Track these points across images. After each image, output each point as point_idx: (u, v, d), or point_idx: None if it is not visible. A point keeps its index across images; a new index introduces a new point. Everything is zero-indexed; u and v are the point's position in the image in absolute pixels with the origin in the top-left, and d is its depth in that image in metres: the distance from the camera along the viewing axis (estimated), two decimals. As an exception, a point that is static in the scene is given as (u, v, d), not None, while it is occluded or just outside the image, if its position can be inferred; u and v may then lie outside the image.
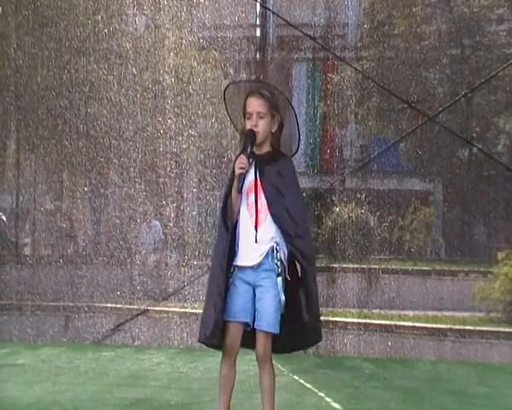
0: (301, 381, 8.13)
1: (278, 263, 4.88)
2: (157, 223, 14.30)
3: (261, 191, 4.92)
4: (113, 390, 7.53)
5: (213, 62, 13.96)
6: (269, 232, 4.90)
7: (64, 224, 15.08)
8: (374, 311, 13.05)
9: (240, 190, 4.89)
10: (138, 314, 13.10)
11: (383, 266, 13.49)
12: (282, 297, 4.88)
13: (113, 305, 13.46)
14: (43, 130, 14.06)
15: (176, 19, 13.77)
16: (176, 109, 13.40)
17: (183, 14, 13.77)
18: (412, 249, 14.18)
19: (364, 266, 13.36)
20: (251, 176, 4.96)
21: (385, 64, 14.01)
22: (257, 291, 4.91)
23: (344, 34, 14.41)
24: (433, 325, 12.64)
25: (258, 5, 13.64)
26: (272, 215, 4.89)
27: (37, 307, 13.65)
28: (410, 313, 13.05)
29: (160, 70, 13.67)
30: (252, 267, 4.91)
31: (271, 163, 4.98)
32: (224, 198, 5.00)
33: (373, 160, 14.02)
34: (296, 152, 5.20)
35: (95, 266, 13.68)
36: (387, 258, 13.85)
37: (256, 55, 13.71)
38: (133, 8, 14.10)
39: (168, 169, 13.39)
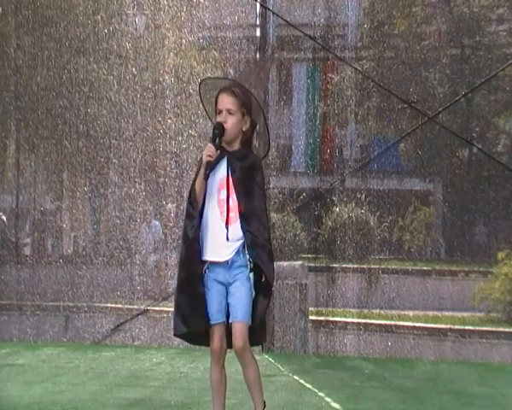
0: (301, 381, 8.12)
1: (250, 259, 4.90)
2: (157, 223, 14.30)
3: (233, 190, 4.94)
4: (113, 390, 7.52)
5: (213, 62, 13.96)
6: (239, 231, 4.92)
7: (64, 224, 15.09)
8: (374, 311, 13.05)
9: (206, 178, 4.91)
10: (138, 314, 13.10)
11: (383, 266, 13.50)
12: (254, 293, 4.90)
13: (113, 305, 13.46)
14: (43, 130, 14.06)
15: (176, 19, 13.77)
16: (176, 109, 13.41)
17: (183, 14, 13.77)
18: (412, 249, 14.19)
19: (364, 266, 13.36)
20: (223, 172, 4.97)
21: (385, 64, 14.01)
22: (230, 287, 4.92)
23: (344, 34, 14.42)
24: (433, 325, 12.64)
25: (258, 5, 13.62)
26: (242, 216, 4.91)
27: (37, 307, 13.65)
28: (410, 313, 13.05)
29: (159, 70, 13.67)
30: (224, 265, 4.92)
31: (243, 161, 5.00)
32: (191, 187, 5.03)
33: (373, 160, 14.02)
34: (266, 155, 5.22)
35: (95, 266, 13.69)
36: (387, 258, 13.86)
37: (256, 55, 13.70)
38: (133, 8, 14.10)
39: (168, 169, 13.39)
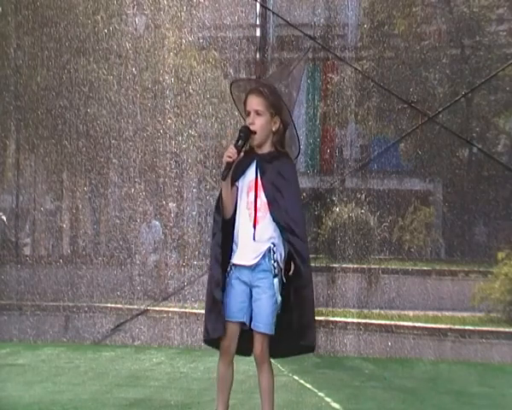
0: (301, 381, 8.12)
1: (275, 264, 4.87)
2: (157, 223, 14.30)
3: (261, 190, 4.90)
4: (113, 390, 7.52)
5: (213, 62, 13.96)
6: (267, 231, 4.89)
7: (64, 224, 15.09)
8: (374, 311, 13.05)
9: (224, 178, 4.89)
10: (138, 314, 13.10)
11: (383, 266, 13.50)
12: (279, 298, 4.87)
13: (113, 305, 13.47)
14: (43, 130, 14.06)
15: (176, 19, 13.77)
16: (176, 109, 13.40)
17: (183, 14, 13.77)
18: (412, 249, 14.18)
19: (364, 266, 13.36)
20: (251, 175, 4.95)
21: (385, 64, 14.01)
22: (254, 292, 4.90)
23: (344, 34, 14.42)
24: (433, 325, 12.64)
25: (258, 5, 13.64)
26: (272, 214, 4.87)
27: (37, 307, 13.65)
28: (410, 313, 13.04)
29: (159, 70, 13.67)
30: (249, 267, 4.91)
31: (273, 163, 4.96)
32: (219, 192, 5.02)
33: (373, 160, 14.02)
34: (298, 154, 5.17)
35: (95, 266, 13.69)
36: (387, 258, 13.86)
37: (256, 55, 13.71)
38: (133, 8, 14.10)
39: (168, 169, 13.39)
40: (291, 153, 5.10)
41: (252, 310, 4.90)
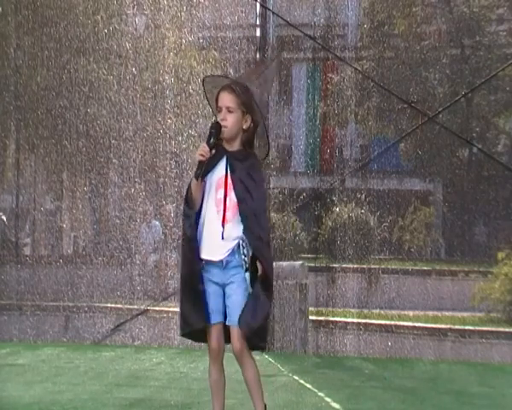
0: (301, 381, 8.11)
1: (246, 259, 4.88)
2: (157, 223, 14.30)
3: (231, 188, 4.92)
4: (113, 390, 7.52)
5: (213, 62, 13.96)
6: (235, 231, 4.89)
7: (64, 224, 15.10)
8: (374, 311, 13.05)
9: (197, 177, 4.90)
10: (138, 314, 13.10)
11: (383, 266, 13.50)
12: (250, 289, 4.89)
13: (113, 305, 13.47)
14: (43, 130, 14.06)
15: (176, 19, 13.77)
16: (176, 109, 13.41)
17: (183, 14, 13.77)
18: (412, 249, 14.19)
19: (364, 266, 13.37)
20: (221, 171, 4.95)
21: (385, 64, 14.02)
22: (227, 288, 4.90)
23: (344, 34, 14.42)
24: (433, 325, 12.65)
25: (258, 5, 13.63)
26: (241, 215, 4.89)
27: (37, 307, 13.65)
28: (410, 313, 13.05)
29: (159, 70, 13.67)
30: (218, 266, 4.91)
31: (242, 162, 4.97)
32: (188, 185, 5.02)
33: (373, 160, 14.02)
34: (267, 155, 5.19)
35: (95, 266, 13.69)
36: (387, 258, 13.87)
37: (256, 55, 13.70)
38: (133, 8, 14.10)
39: (168, 169, 13.39)
40: (259, 153, 5.12)
41: (225, 307, 4.90)
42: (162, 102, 13.49)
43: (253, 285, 4.87)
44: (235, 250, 4.89)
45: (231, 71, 13.94)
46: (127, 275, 13.67)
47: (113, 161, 13.72)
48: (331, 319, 12.66)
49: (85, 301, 13.53)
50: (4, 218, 14.98)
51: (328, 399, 7.22)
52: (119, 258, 13.70)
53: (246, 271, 4.87)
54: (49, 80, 13.69)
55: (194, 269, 4.92)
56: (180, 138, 13.43)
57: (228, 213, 4.90)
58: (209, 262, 4.92)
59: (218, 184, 4.95)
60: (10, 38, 13.95)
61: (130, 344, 12.53)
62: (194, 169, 4.99)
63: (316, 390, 7.63)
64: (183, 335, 5.06)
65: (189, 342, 5.48)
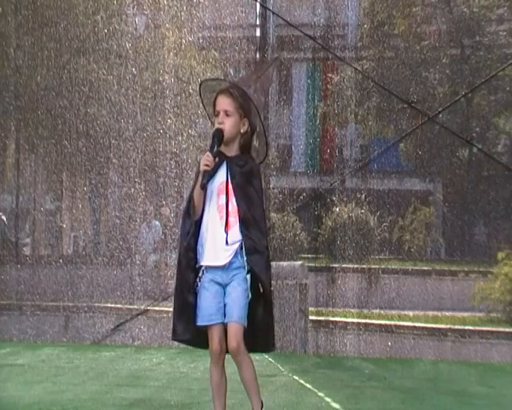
0: (301, 381, 8.12)
1: (247, 260, 4.89)
2: (157, 223, 14.30)
3: (232, 195, 4.93)
4: (113, 390, 7.52)
5: (213, 62, 13.96)
6: (237, 235, 4.91)
7: (64, 224, 15.09)
8: (374, 311, 13.05)
9: (203, 187, 4.90)
10: (138, 314, 13.10)
11: (383, 266, 13.50)
12: (249, 295, 4.89)
13: (113, 305, 13.47)
14: (42, 130, 14.07)
15: (176, 19, 13.78)
16: (176, 109, 13.41)
17: (183, 14, 13.77)
18: (412, 249, 14.19)
19: (364, 266, 13.37)
20: (221, 177, 4.95)
21: (385, 64, 14.02)
22: (227, 287, 4.92)
23: (344, 34, 14.42)
24: (433, 325, 12.64)
25: (258, 5, 13.63)
26: (242, 221, 4.90)
27: (37, 307, 13.65)
28: (410, 313, 13.05)
29: (159, 70, 13.67)
30: (222, 268, 4.92)
31: (242, 167, 4.98)
32: (190, 194, 5.02)
33: (373, 160, 14.02)
34: (264, 159, 5.20)
35: (95, 266, 13.69)
36: (387, 258, 13.87)
37: (256, 55, 13.70)
38: (133, 8, 14.11)
39: (168, 169, 13.40)
40: (258, 156, 5.12)
41: (225, 305, 4.91)
42: (162, 102, 13.49)
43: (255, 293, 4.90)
44: (238, 252, 4.92)
45: (231, 71, 13.94)
46: (127, 275, 13.67)
47: (113, 161, 13.72)
48: (331, 319, 12.66)
49: (85, 301, 13.53)
50: (4, 218, 14.98)
51: (328, 399, 7.22)
52: (119, 258, 13.70)
53: (247, 272, 4.90)
54: (49, 80, 13.69)
55: (187, 279, 4.94)
56: (180, 138, 13.43)
57: (231, 219, 4.92)
58: (212, 266, 4.94)
59: (220, 190, 4.95)
60: (10, 38, 13.95)
61: (130, 344, 12.53)
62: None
63: (316, 390, 7.63)
64: (174, 340, 5.09)
65: (189, 341, 5.47)
